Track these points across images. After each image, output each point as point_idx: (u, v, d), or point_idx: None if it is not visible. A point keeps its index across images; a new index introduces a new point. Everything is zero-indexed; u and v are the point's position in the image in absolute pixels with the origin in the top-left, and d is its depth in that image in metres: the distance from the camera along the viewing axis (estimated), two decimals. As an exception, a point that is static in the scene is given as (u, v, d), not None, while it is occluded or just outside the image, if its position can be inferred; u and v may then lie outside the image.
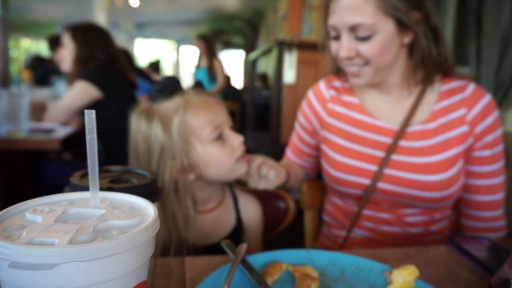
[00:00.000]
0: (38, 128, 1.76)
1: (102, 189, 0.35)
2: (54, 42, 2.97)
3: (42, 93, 2.14)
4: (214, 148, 0.76)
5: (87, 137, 0.29)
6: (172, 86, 0.79)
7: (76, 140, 1.94)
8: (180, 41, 9.27)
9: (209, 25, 9.10)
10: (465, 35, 2.42)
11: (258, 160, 0.85)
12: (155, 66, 5.27)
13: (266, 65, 7.69)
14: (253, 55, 4.29)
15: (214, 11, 8.19)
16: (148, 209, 0.31)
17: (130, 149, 0.78)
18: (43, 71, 3.01)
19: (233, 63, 9.49)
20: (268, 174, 0.84)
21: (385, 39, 0.79)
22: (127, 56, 3.06)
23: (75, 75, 1.89)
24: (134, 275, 0.26)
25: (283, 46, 3.30)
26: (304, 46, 3.28)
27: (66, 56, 1.90)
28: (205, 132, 0.75)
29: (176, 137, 0.73)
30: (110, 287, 0.24)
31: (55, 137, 1.65)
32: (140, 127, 0.75)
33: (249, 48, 8.86)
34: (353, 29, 0.79)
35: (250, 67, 4.48)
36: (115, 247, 0.23)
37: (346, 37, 0.81)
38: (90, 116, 0.28)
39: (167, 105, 0.77)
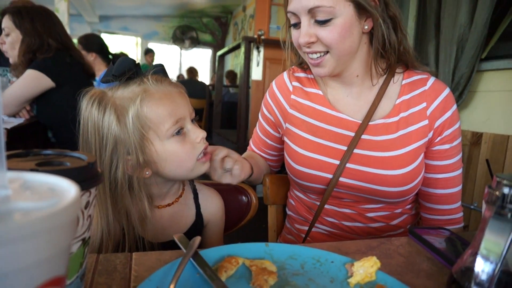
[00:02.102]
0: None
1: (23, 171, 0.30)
2: None
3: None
4: (174, 144, 0.69)
5: (-11, 101, 0.23)
6: (129, 70, 0.70)
7: (28, 133, 1.80)
8: (146, 37, 8.99)
9: (177, 21, 8.92)
10: (425, 37, 2.50)
11: (222, 152, 0.80)
12: (112, 61, 5.00)
13: (235, 64, 7.65)
14: (221, 51, 4.23)
15: (182, 7, 8.02)
16: (70, 191, 0.26)
17: (79, 139, 0.69)
18: None
19: (201, 61, 9.34)
20: (233, 169, 0.80)
21: (344, 23, 0.77)
22: (104, 42, 2.89)
23: (23, 65, 1.74)
24: (41, 269, 0.21)
25: (250, 43, 3.27)
26: (272, 43, 3.27)
27: (11, 44, 1.74)
28: (164, 127, 0.68)
29: (132, 131, 0.66)
30: (6, 283, 0.19)
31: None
32: (91, 115, 0.67)
33: (218, 46, 8.78)
34: (312, 12, 0.77)
35: (218, 64, 4.41)
36: (6, 233, 0.18)
37: (306, 22, 0.79)
38: (-8, 75, 0.23)
39: (123, 93, 0.68)
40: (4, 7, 1.74)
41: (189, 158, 0.71)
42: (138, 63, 0.72)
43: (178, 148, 0.70)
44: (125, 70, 0.70)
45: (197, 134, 0.72)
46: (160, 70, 0.74)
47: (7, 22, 1.72)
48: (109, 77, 0.71)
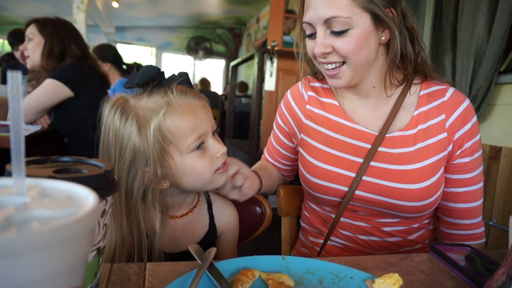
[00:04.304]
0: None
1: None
2: (13, 38, 2.77)
3: (4, 90, 2.02)
4: (193, 159, 0.68)
5: (11, 106, 0.23)
6: (154, 79, 0.68)
7: (44, 139, 1.83)
8: (160, 47, 9.15)
9: (191, 32, 9.06)
10: (441, 50, 2.47)
11: (234, 168, 0.79)
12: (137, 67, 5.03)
13: (247, 75, 7.70)
14: (234, 61, 4.26)
15: (196, 18, 8.15)
16: (88, 199, 0.25)
17: (100, 145, 0.68)
18: (6, 67, 2.81)
19: (214, 71, 9.43)
20: (243, 187, 0.80)
21: (361, 34, 0.76)
22: (117, 53, 2.94)
23: (46, 70, 1.78)
24: (58, 280, 0.20)
25: (264, 54, 3.28)
26: (285, 54, 3.28)
27: (33, 48, 1.79)
28: (186, 142, 0.67)
29: (152, 143, 0.64)
30: (21, 295, 0.19)
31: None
32: (113, 123, 0.66)
33: (231, 56, 8.87)
34: (328, 23, 0.76)
35: (231, 74, 4.44)
36: (24, 242, 0.17)
37: (321, 32, 0.78)
38: (15, 80, 0.23)
39: (146, 103, 0.67)
40: (31, 18, 1.81)
41: (207, 172, 0.70)
42: (163, 72, 0.70)
43: (197, 162, 0.69)
44: (150, 79, 0.68)
45: (217, 149, 0.71)
46: (185, 80, 0.72)
47: (31, 28, 1.79)
48: (132, 84, 0.69)
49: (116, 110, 0.66)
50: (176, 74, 0.72)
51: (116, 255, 0.68)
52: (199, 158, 0.69)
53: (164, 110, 0.65)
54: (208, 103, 0.74)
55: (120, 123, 0.65)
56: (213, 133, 0.73)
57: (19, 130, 0.24)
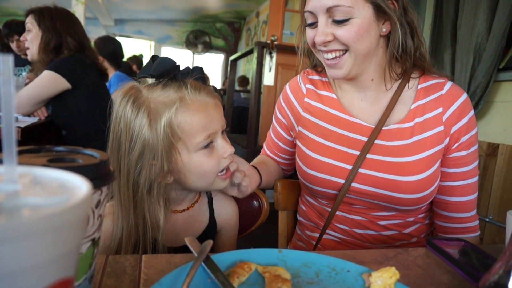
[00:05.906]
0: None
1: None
2: (8, 29, 2.73)
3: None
4: (200, 157, 0.68)
5: (2, 90, 0.22)
6: (168, 72, 0.66)
7: (42, 131, 1.82)
8: (159, 41, 9.09)
9: (190, 26, 9.00)
10: (441, 46, 2.46)
11: (233, 166, 0.80)
12: (137, 60, 4.93)
13: (247, 69, 7.67)
14: (233, 56, 4.23)
15: (196, 11, 8.10)
16: (82, 188, 0.25)
17: (110, 136, 0.67)
18: None
19: (213, 65, 9.39)
20: (241, 185, 0.80)
21: (362, 24, 0.76)
22: (119, 48, 2.92)
23: (43, 63, 1.77)
24: (49, 269, 0.20)
25: (263, 48, 3.27)
26: (285, 49, 3.26)
27: (31, 41, 1.78)
28: (195, 139, 0.66)
29: (161, 137, 0.63)
30: (12, 284, 0.18)
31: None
32: (125, 114, 0.64)
33: (230, 51, 8.83)
34: (330, 12, 0.77)
35: (230, 69, 4.41)
36: (14, 229, 0.17)
37: (323, 21, 0.78)
38: (7, 63, 0.22)
39: (159, 96, 0.65)
40: (29, 8, 1.79)
41: (211, 172, 0.70)
42: (179, 65, 0.69)
43: (204, 161, 0.68)
44: (165, 71, 0.66)
45: (225, 150, 0.70)
46: (200, 77, 0.71)
47: (29, 19, 1.77)
48: (146, 74, 0.68)
49: (128, 100, 0.65)
50: (190, 68, 0.71)
51: (122, 246, 0.68)
52: (206, 157, 0.68)
53: (176, 106, 0.64)
54: (220, 101, 0.73)
55: (132, 114, 0.64)
56: (222, 132, 0.72)
57: (11, 116, 0.23)
